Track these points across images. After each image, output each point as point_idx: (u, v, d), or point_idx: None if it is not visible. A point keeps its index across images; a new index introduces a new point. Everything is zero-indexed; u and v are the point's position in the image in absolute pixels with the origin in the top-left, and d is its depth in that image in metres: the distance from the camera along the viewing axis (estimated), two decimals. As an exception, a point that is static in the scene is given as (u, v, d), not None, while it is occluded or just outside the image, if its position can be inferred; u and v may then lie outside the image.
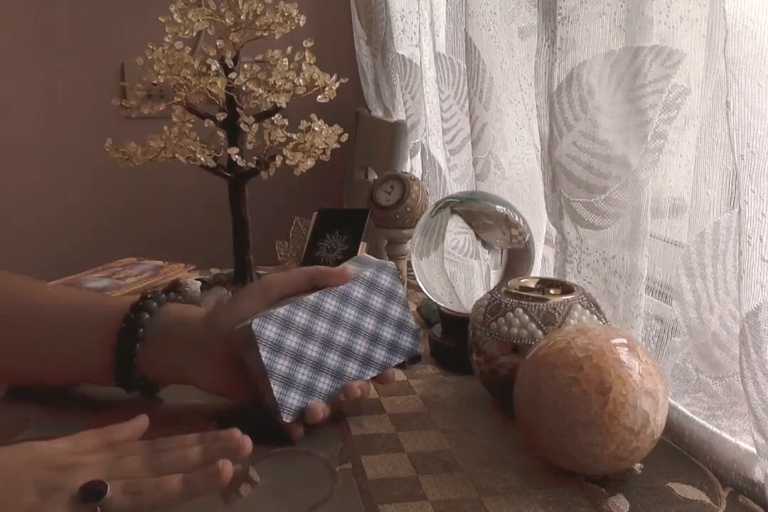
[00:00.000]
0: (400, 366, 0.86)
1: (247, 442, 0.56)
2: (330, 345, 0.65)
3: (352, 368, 0.64)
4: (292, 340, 0.64)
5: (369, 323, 0.67)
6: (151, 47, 0.89)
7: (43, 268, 1.24)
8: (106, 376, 0.71)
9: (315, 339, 0.65)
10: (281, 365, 0.64)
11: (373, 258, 0.71)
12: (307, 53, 0.91)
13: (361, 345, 0.65)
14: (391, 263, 0.68)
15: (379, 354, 0.64)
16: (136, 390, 0.73)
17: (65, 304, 0.75)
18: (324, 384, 0.64)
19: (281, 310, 0.64)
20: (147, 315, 0.70)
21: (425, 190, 0.94)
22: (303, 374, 0.65)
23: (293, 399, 0.65)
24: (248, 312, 0.67)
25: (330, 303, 0.66)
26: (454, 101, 1.20)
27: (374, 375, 0.65)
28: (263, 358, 0.63)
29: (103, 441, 0.57)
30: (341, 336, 0.65)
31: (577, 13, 0.74)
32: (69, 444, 0.55)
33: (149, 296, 0.72)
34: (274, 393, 0.64)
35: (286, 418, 0.65)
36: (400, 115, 1.66)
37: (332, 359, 0.65)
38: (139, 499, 0.51)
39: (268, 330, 0.64)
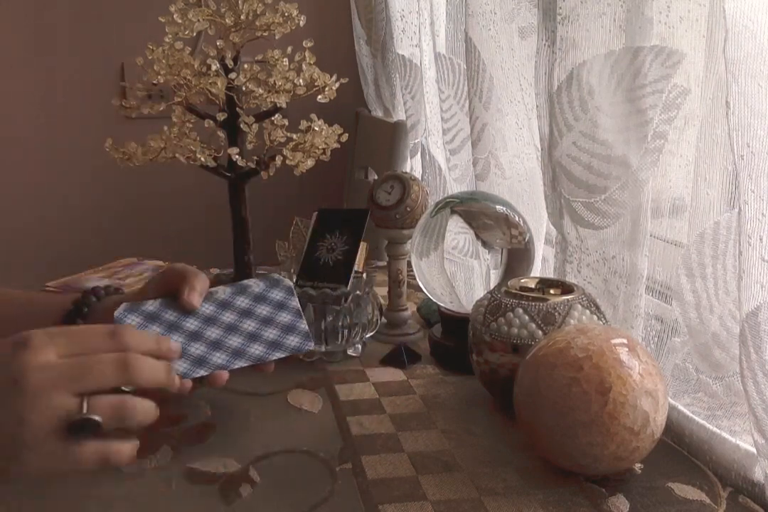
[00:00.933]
0: (400, 366, 0.87)
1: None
2: (197, 338, 0.66)
3: (218, 358, 0.65)
4: (155, 328, 0.65)
5: (249, 325, 0.67)
6: (151, 47, 0.89)
7: (43, 268, 1.24)
8: None
9: (180, 332, 0.66)
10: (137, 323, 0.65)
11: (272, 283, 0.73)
12: (307, 53, 0.91)
13: (233, 341, 0.66)
14: (287, 281, 0.71)
15: (256, 348, 0.66)
16: None
17: (9, 300, 0.76)
18: (181, 365, 0.64)
19: (149, 306, 0.66)
20: (94, 299, 0.72)
21: (425, 190, 0.94)
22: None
23: None
24: (150, 296, 0.69)
25: (206, 308, 0.67)
26: (454, 101, 1.20)
27: (244, 365, 0.65)
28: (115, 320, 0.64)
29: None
30: (212, 332, 0.66)
31: (577, 13, 0.74)
32: (17, 339, 0.52)
33: (92, 288, 0.74)
34: None
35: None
36: (400, 115, 1.66)
37: (196, 348, 0.65)
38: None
39: (129, 319, 0.65)
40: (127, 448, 0.52)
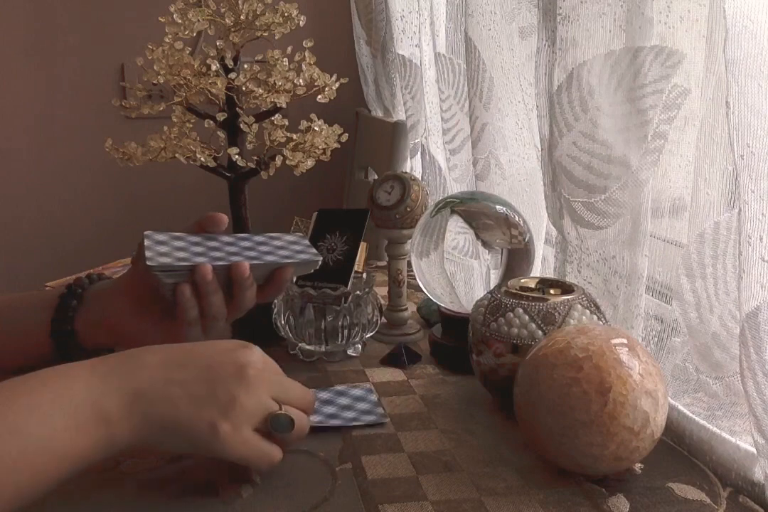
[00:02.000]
0: (400, 366, 0.87)
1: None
2: (218, 250, 0.74)
3: (236, 258, 0.72)
4: (178, 243, 0.74)
5: (264, 248, 0.76)
6: (151, 47, 0.89)
7: (44, 268, 1.24)
8: (45, 344, 0.74)
9: (203, 246, 0.74)
10: (161, 248, 0.72)
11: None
12: (307, 53, 0.91)
13: (250, 253, 0.74)
14: (305, 239, 0.80)
15: (269, 257, 0.74)
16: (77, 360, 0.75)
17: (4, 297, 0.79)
18: (201, 258, 0.72)
19: (176, 233, 0.75)
20: (87, 282, 0.77)
21: (425, 190, 0.94)
22: (179, 249, 0.73)
23: (166, 258, 0.71)
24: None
25: (227, 238, 0.76)
26: (454, 101, 1.20)
27: (260, 263, 0.73)
28: (145, 243, 0.71)
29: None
30: (231, 248, 0.75)
31: (577, 13, 0.74)
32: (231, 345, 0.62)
33: (86, 274, 0.79)
34: (147, 255, 0.70)
35: (150, 262, 0.69)
36: (400, 115, 1.66)
37: (216, 254, 0.73)
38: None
39: (157, 236, 0.74)
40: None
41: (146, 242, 0.72)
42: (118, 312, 0.73)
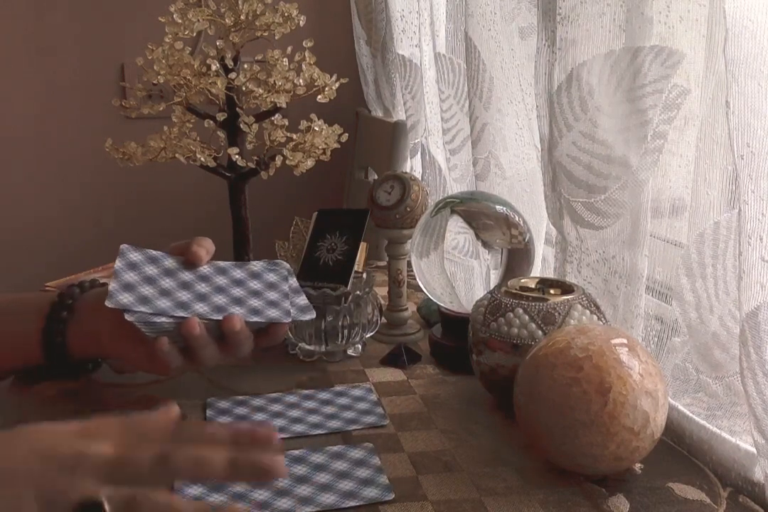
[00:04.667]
0: (400, 366, 0.87)
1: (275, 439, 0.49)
2: (187, 288, 0.70)
3: (200, 307, 0.68)
4: (151, 269, 0.70)
5: (237, 292, 0.72)
6: (151, 47, 0.89)
7: (44, 268, 1.24)
8: (34, 352, 0.73)
9: (174, 278, 0.70)
10: (130, 275, 0.70)
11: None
12: (307, 53, 0.91)
13: (219, 299, 0.70)
14: (285, 265, 0.77)
15: (236, 309, 0.69)
16: (66, 369, 0.75)
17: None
18: (164, 303, 0.68)
19: (154, 252, 0.72)
20: (78, 290, 0.75)
21: (425, 190, 0.94)
22: (148, 280, 0.70)
23: (128, 296, 0.68)
24: None
25: (205, 269, 0.73)
26: (454, 101, 1.20)
27: (219, 318, 0.68)
28: (116, 265, 0.70)
29: (120, 426, 0.49)
30: (202, 287, 0.71)
31: (577, 13, 0.74)
32: (78, 427, 0.48)
33: (78, 282, 0.77)
34: (111, 288, 0.68)
35: (109, 302, 0.67)
36: (400, 115, 1.66)
37: (183, 295, 0.69)
38: None
39: (132, 255, 0.71)
40: None
41: (117, 264, 0.70)
42: (105, 327, 0.71)
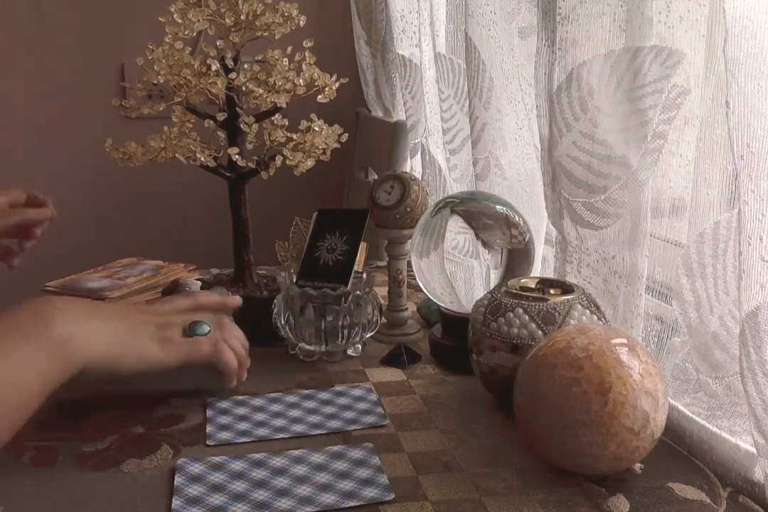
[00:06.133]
0: (400, 366, 0.87)
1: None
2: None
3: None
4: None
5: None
6: (151, 47, 0.89)
7: (44, 268, 1.24)
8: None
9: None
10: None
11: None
12: (307, 53, 0.91)
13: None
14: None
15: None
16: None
17: None
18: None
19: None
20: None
21: (425, 190, 0.94)
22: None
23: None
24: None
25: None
26: (454, 101, 1.20)
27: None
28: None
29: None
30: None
31: (577, 13, 0.74)
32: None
33: None
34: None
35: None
36: (400, 115, 1.66)
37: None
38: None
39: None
40: None
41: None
42: None
